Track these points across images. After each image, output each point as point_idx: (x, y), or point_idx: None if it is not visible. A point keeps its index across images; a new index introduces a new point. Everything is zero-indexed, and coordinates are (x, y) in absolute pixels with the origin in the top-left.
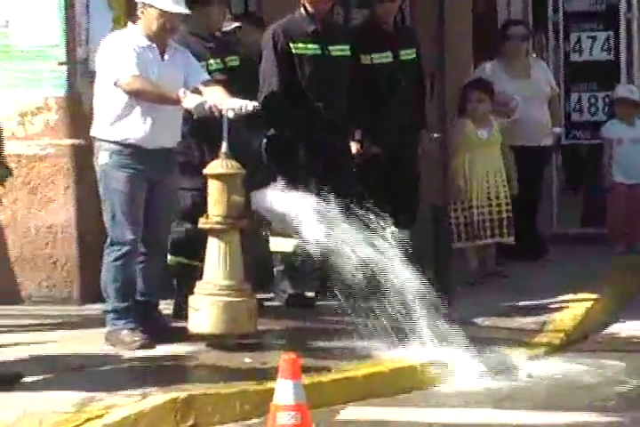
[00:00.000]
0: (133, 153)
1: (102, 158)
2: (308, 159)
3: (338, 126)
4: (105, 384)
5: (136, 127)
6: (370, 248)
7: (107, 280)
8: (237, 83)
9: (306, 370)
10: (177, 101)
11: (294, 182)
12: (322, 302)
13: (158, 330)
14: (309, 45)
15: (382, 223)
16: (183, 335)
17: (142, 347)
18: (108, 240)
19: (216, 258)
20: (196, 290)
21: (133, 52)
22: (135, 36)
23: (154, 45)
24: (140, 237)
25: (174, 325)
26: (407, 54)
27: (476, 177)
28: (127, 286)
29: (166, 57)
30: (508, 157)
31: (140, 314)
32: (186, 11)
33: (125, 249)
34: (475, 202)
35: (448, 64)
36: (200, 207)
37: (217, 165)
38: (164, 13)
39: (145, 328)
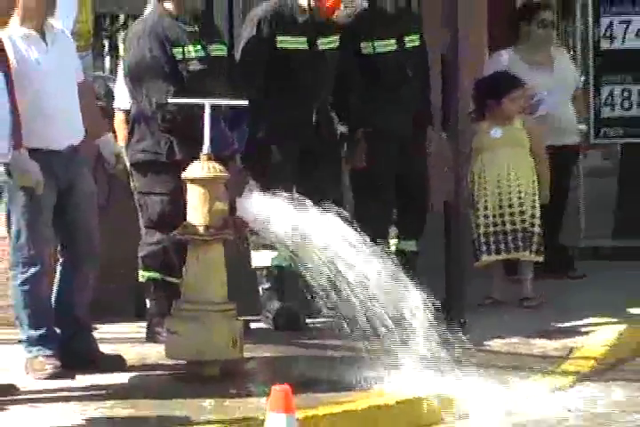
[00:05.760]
0: (35, 158)
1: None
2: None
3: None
4: None
5: (29, 128)
6: (369, 263)
7: (17, 306)
8: (218, 76)
9: (299, 402)
10: None
11: (268, 186)
12: (315, 324)
13: (89, 356)
14: (299, 38)
15: (384, 233)
16: (120, 364)
17: (54, 376)
18: (12, 260)
19: (196, 273)
20: (172, 310)
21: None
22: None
23: (32, 31)
24: (63, 252)
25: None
26: (411, 41)
27: (489, 182)
28: (41, 312)
29: (49, 42)
30: (540, 162)
31: (68, 336)
32: None
33: (33, 270)
34: (489, 211)
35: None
36: (171, 214)
37: (197, 169)
38: None
39: (70, 354)
